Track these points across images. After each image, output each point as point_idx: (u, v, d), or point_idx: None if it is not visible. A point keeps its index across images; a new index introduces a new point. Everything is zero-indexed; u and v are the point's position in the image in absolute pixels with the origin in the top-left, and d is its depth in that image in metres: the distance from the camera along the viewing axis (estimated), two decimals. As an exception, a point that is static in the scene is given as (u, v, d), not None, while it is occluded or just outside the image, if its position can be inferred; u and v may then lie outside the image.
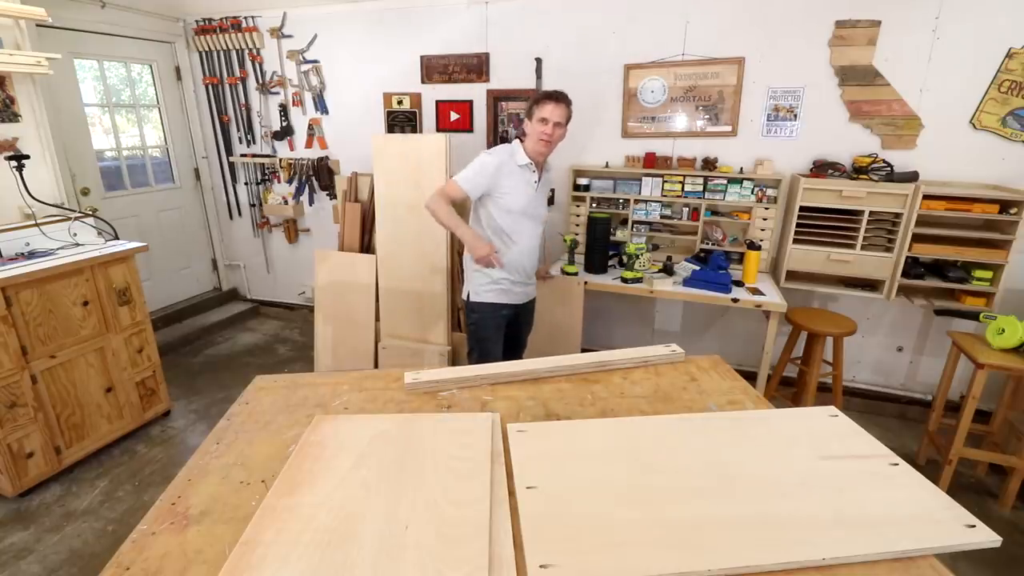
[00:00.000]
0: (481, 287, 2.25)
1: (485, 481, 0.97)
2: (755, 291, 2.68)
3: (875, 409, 3.13)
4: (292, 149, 4.06)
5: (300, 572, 0.79)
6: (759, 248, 2.80)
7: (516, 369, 1.47)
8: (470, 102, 3.49)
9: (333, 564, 0.80)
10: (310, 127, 3.95)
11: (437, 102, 3.57)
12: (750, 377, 1.80)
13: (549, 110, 2.02)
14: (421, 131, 3.65)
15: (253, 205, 4.31)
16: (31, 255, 2.47)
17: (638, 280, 2.80)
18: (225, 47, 3.93)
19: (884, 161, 2.68)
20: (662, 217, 3.17)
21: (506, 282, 2.23)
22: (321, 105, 3.87)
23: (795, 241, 2.77)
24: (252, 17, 3.79)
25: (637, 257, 2.85)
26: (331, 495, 0.95)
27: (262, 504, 0.93)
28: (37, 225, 2.60)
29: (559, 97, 2.04)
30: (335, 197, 3.79)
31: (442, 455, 1.06)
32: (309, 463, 1.04)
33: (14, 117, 2.64)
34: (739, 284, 2.75)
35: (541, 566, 0.79)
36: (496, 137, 3.49)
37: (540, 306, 2.56)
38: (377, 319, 3.27)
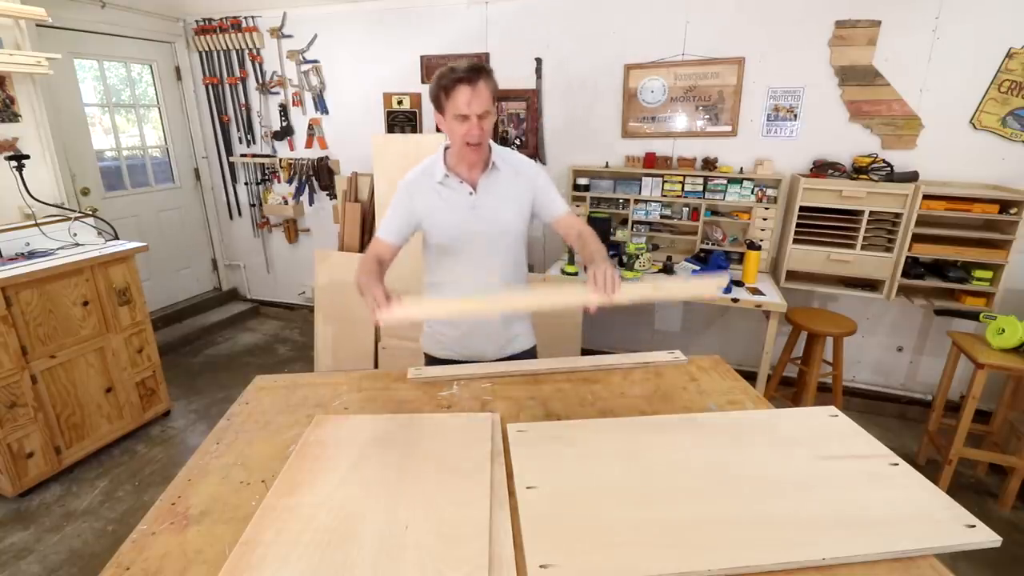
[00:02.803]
0: (426, 333, 1.67)
1: (485, 481, 0.97)
2: (755, 291, 2.68)
3: (875, 409, 3.13)
4: (292, 149, 4.06)
5: (300, 572, 0.79)
6: (759, 248, 2.80)
7: (516, 368, 1.47)
8: (470, 102, 3.48)
9: (333, 564, 0.80)
10: (310, 127, 3.95)
11: (437, 102, 3.56)
12: (750, 377, 1.80)
13: (465, 99, 1.30)
14: (421, 131, 3.65)
15: (253, 205, 4.31)
16: (31, 255, 2.47)
17: (638, 280, 2.80)
18: (225, 47, 3.93)
19: (884, 161, 2.68)
20: (662, 217, 3.16)
21: (445, 334, 1.61)
22: (321, 105, 3.87)
23: (795, 241, 2.77)
24: (252, 17, 3.79)
25: (637, 257, 2.85)
26: (331, 495, 0.95)
27: (262, 504, 0.93)
28: (37, 225, 2.60)
29: (474, 74, 1.30)
30: (335, 197, 3.79)
31: (442, 455, 1.06)
32: (309, 463, 1.04)
33: (14, 117, 2.64)
34: (739, 284, 2.75)
35: (541, 566, 0.79)
36: (496, 137, 3.49)
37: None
38: (377, 319, 3.26)
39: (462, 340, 1.60)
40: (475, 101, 1.31)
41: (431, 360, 1.65)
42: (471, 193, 1.47)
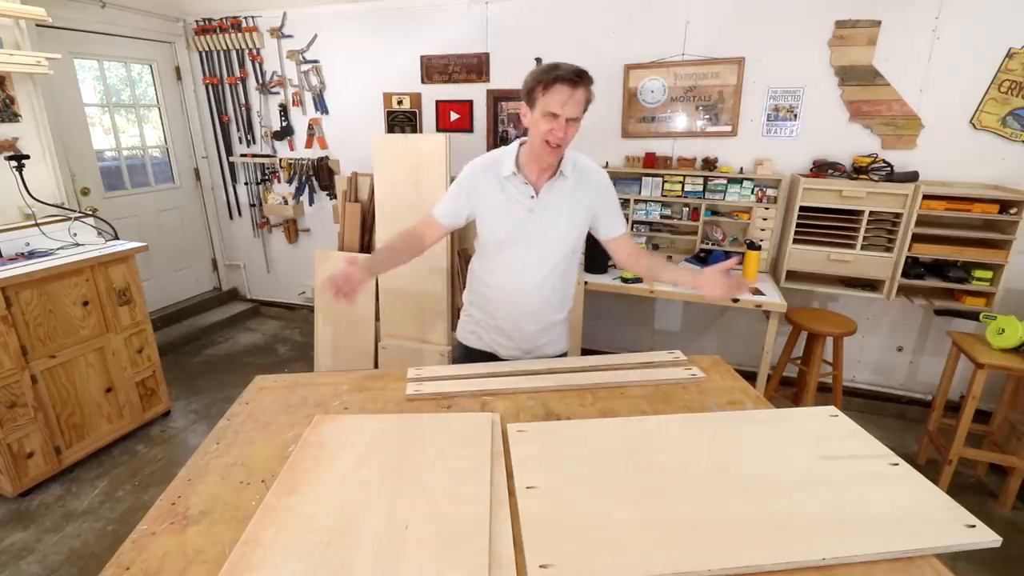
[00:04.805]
0: (462, 320, 1.71)
1: (485, 481, 0.97)
2: (755, 291, 2.68)
3: (875, 409, 3.12)
4: (292, 149, 4.06)
5: (300, 572, 0.79)
6: (759, 248, 2.80)
7: (516, 369, 1.47)
8: (470, 102, 3.48)
9: (333, 564, 0.80)
10: (310, 127, 3.95)
11: (437, 102, 3.57)
12: (750, 377, 1.80)
13: (561, 99, 1.30)
14: (421, 131, 3.65)
15: (253, 205, 4.31)
16: (31, 255, 2.47)
17: (638, 280, 2.80)
18: (225, 47, 3.93)
19: (884, 161, 2.68)
20: (662, 217, 3.16)
21: (486, 328, 1.61)
22: (321, 105, 3.87)
23: (795, 241, 2.77)
24: (252, 17, 3.79)
25: (637, 257, 2.85)
26: (331, 495, 0.95)
27: (262, 504, 0.93)
28: (37, 225, 2.60)
29: (577, 78, 1.31)
30: (335, 197, 3.79)
31: (442, 455, 1.06)
32: (309, 463, 1.04)
33: (14, 117, 2.63)
34: (739, 284, 2.75)
35: (541, 566, 0.79)
36: (496, 137, 3.49)
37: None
38: (377, 319, 3.26)
39: (494, 336, 1.61)
40: (570, 104, 1.31)
41: (463, 348, 1.69)
42: (532, 196, 1.45)
